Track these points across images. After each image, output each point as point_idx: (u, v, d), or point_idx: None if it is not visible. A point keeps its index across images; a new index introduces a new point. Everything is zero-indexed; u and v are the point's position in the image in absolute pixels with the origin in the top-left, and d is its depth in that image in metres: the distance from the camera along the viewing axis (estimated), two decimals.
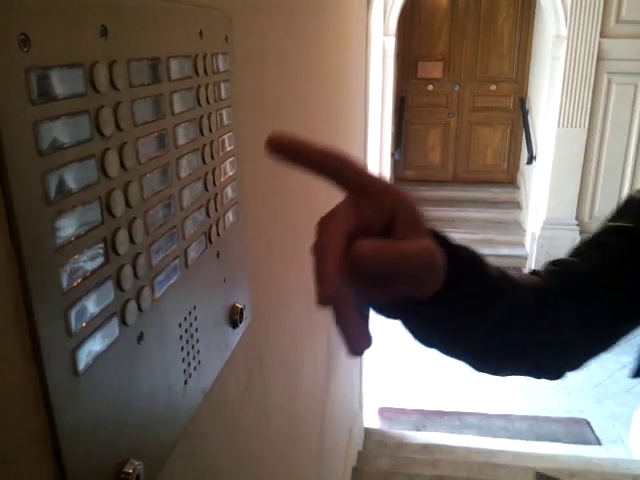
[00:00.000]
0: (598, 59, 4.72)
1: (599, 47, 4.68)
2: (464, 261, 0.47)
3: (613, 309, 0.58)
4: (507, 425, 3.45)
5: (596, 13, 4.61)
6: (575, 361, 0.61)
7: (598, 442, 3.32)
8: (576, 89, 4.81)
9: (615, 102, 4.81)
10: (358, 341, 0.35)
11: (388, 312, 0.46)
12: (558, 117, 4.91)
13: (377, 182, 0.40)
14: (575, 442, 3.28)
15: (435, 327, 0.48)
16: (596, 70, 4.75)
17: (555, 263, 0.60)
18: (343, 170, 0.39)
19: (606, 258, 0.59)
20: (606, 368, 3.81)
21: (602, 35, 4.67)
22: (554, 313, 0.55)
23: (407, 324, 0.48)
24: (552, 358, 0.59)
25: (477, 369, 0.57)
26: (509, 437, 3.29)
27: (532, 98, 5.95)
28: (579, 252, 0.61)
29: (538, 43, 5.79)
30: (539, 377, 0.61)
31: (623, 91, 4.78)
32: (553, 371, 0.61)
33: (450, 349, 0.53)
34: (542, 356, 0.58)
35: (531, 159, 5.46)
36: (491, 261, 0.50)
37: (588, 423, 3.47)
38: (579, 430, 3.42)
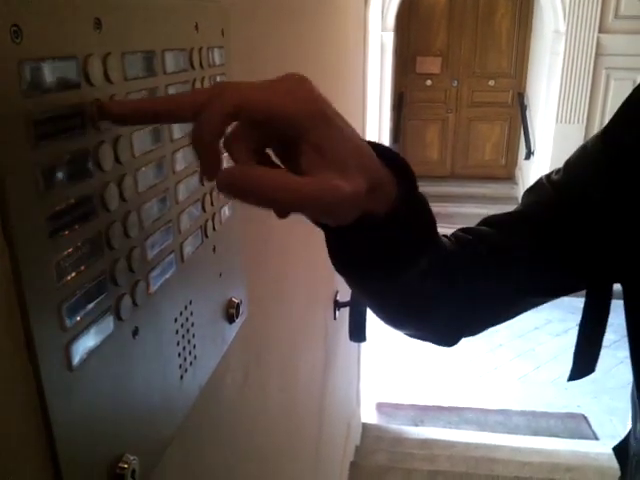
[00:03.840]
0: (596, 55, 4.72)
1: (597, 42, 4.68)
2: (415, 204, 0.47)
3: (519, 283, 0.58)
4: (505, 420, 3.46)
5: (594, 9, 4.61)
6: (471, 329, 0.62)
7: (595, 437, 3.33)
8: (574, 85, 4.81)
9: (613, 97, 4.81)
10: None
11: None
12: (556, 112, 4.92)
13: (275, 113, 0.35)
14: (572, 437, 3.29)
15: (348, 253, 0.46)
16: (594, 66, 4.75)
17: (466, 231, 0.60)
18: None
19: (520, 232, 0.59)
20: (603, 363, 3.82)
21: (601, 31, 4.67)
22: (456, 279, 0.55)
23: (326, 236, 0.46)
24: (448, 322, 0.59)
25: (380, 317, 0.56)
26: (507, 432, 3.30)
27: (530, 93, 5.94)
28: (497, 224, 0.60)
29: (536, 38, 5.79)
30: (438, 343, 0.62)
31: (621, 86, 4.78)
32: (448, 336, 0.61)
33: (357, 283, 0.51)
34: (438, 319, 0.58)
35: (529, 154, 5.46)
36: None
37: (585, 418, 3.48)
38: (576, 425, 3.43)
